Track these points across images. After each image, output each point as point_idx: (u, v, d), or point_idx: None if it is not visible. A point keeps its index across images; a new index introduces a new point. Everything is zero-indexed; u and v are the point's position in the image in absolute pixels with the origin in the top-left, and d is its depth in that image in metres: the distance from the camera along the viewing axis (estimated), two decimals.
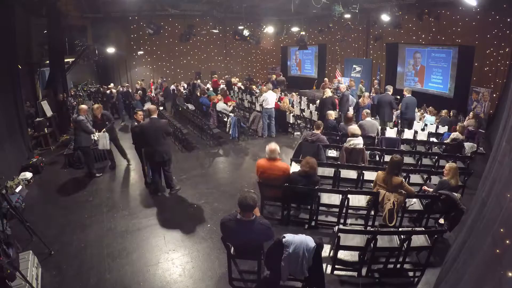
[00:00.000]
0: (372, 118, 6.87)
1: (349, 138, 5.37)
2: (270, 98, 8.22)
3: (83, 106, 6.05)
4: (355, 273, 3.38)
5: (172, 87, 13.27)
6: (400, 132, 7.36)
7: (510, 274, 1.53)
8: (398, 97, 11.49)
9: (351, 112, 8.02)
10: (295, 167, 4.74)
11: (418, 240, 3.31)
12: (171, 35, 14.94)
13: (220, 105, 9.06)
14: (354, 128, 5.44)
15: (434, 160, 5.88)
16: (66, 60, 10.13)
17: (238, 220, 2.78)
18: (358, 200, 4.25)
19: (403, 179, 3.96)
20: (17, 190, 5.10)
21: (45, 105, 8.71)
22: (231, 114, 8.69)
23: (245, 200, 2.67)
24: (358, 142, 5.35)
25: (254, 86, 13.73)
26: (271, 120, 8.46)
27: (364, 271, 3.35)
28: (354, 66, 14.36)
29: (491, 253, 1.76)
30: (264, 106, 8.31)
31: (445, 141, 6.57)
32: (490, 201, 1.95)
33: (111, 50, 11.52)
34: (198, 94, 11.18)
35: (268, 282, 3.09)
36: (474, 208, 2.26)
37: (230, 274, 3.21)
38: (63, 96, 9.21)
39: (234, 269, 3.33)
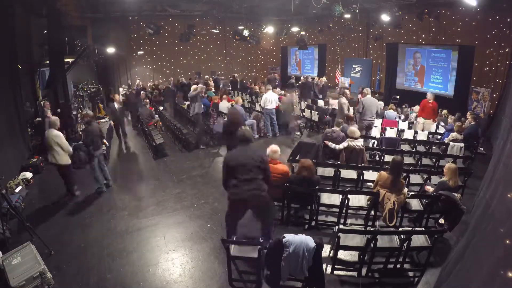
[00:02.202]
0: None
1: (348, 139, 5.35)
2: (271, 98, 8.18)
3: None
4: (355, 273, 3.38)
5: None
6: (399, 132, 7.36)
7: (511, 274, 1.53)
8: (398, 96, 11.50)
9: (351, 112, 8.03)
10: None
11: (418, 240, 3.31)
12: (171, 35, 14.93)
13: (225, 104, 8.97)
14: (353, 130, 5.38)
15: (434, 160, 5.88)
16: (66, 60, 10.10)
17: (239, 147, 3.39)
18: (358, 200, 4.25)
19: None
20: (17, 190, 5.10)
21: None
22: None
23: (243, 134, 3.38)
24: (356, 144, 5.34)
25: (256, 86, 13.72)
26: (273, 120, 8.41)
27: (364, 271, 3.34)
28: (354, 66, 14.37)
29: (492, 253, 1.76)
30: (265, 107, 8.25)
31: (445, 141, 6.56)
32: (495, 203, 1.94)
33: (111, 50, 11.51)
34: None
35: (268, 282, 3.09)
36: (477, 209, 2.26)
37: (230, 275, 3.20)
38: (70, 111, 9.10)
39: (234, 270, 3.33)
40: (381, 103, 7.30)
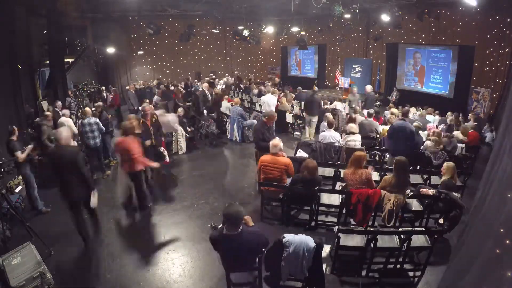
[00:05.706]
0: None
1: (346, 136, 5.41)
2: (269, 102, 7.94)
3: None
4: (355, 273, 3.38)
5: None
6: None
7: (510, 274, 1.53)
8: (394, 92, 11.51)
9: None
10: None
11: (418, 240, 3.31)
12: (171, 35, 14.94)
13: (225, 105, 8.93)
14: (352, 126, 5.48)
15: None
16: (66, 60, 10.13)
17: (225, 236, 2.57)
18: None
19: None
20: (17, 190, 5.09)
21: (45, 105, 8.70)
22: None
23: (228, 215, 2.52)
24: (355, 139, 5.38)
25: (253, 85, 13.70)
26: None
27: (364, 271, 3.35)
28: (354, 66, 14.38)
29: (491, 253, 1.77)
30: (262, 110, 8.00)
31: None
32: (491, 201, 1.95)
33: (111, 50, 11.52)
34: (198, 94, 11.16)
35: (268, 282, 3.08)
36: (475, 208, 2.26)
37: (229, 284, 3.04)
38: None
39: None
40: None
